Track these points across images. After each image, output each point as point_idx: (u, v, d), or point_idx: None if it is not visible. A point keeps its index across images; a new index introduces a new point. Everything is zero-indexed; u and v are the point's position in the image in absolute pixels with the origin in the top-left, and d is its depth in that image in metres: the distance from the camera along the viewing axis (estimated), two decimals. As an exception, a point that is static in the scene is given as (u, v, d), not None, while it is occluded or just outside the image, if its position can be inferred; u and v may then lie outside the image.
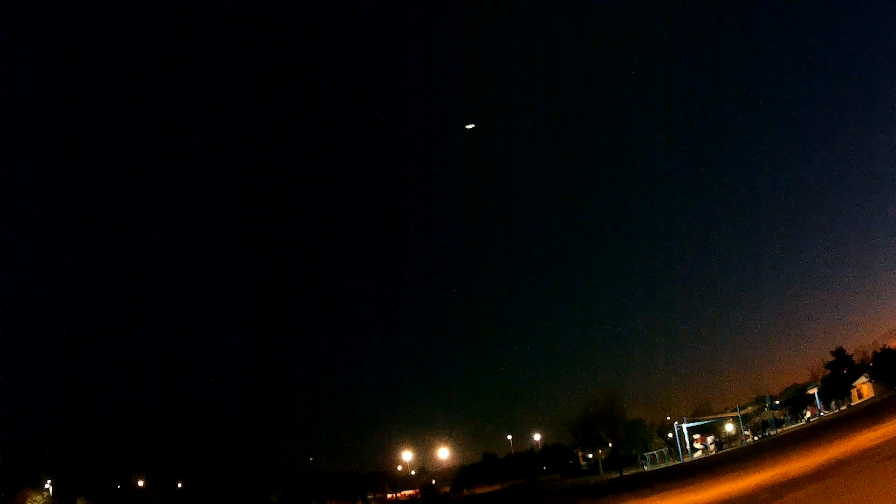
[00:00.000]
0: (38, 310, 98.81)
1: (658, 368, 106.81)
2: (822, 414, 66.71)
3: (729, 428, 72.91)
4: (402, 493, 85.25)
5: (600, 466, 74.05)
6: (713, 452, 66.85)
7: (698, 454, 68.48)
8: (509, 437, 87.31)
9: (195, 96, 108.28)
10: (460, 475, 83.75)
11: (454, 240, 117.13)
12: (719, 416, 74.47)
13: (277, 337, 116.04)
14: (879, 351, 67.53)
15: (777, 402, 75.82)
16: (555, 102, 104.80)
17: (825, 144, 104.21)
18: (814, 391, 71.13)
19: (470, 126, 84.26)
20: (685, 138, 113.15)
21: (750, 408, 74.88)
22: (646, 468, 68.40)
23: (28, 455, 71.32)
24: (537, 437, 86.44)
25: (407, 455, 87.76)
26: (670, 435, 73.10)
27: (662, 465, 67.52)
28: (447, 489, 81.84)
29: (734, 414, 72.38)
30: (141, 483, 78.62)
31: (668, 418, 76.09)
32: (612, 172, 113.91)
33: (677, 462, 66.82)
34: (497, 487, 77.13)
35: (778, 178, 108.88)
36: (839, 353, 70.93)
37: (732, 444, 68.76)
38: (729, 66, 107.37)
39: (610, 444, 72.53)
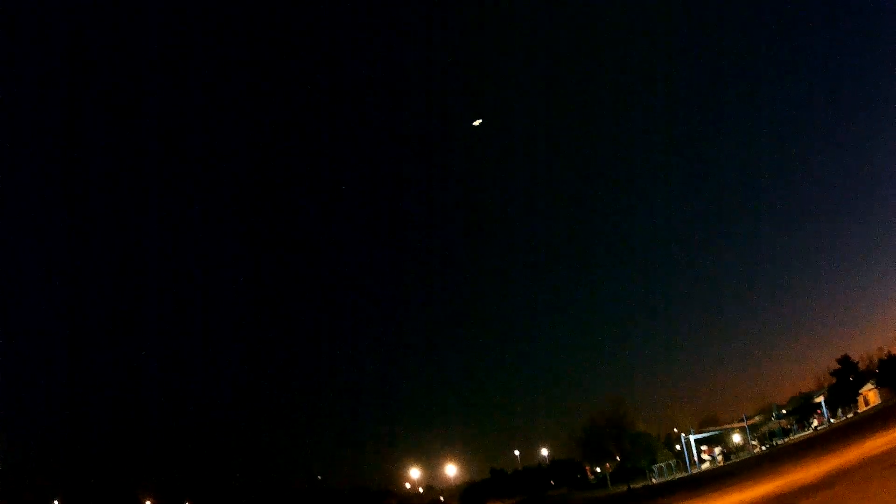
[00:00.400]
0: (38, 319, 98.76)
1: (663, 380, 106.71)
2: (831, 421, 66.58)
3: (736, 438, 72.75)
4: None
5: (608, 480, 73.82)
6: (721, 463, 66.69)
7: (706, 465, 68.28)
8: (517, 452, 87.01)
9: (195, 96, 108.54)
10: (468, 491, 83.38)
11: (458, 250, 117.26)
12: (726, 426, 74.33)
13: (282, 350, 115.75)
14: (885, 357, 67.61)
15: (784, 412, 75.68)
16: (555, 106, 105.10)
17: (827, 148, 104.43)
18: (820, 399, 71.06)
19: (477, 122, 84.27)
20: (685, 143, 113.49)
21: (757, 417, 74.76)
22: (654, 480, 68.19)
23: (35, 473, 71.30)
24: (545, 451, 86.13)
25: (415, 472, 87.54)
26: (678, 447, 72.92)
27: (670, 477, 67.30)
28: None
29: (741, 424, 72.24)
30: (148, 503, 78.42)
31: (675, 430, 75.97)
32: (613, 182, 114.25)
33: (685, 474, 66.61)
34: (505, 503, 76.85)
35: (779, 185, 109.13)
36: (845, 360, 70.92)
37: (740, 454, 68.59)
38: (729, 67, 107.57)
39: (617, 458, 72.39)
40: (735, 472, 49.23)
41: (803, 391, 78.44)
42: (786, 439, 67.06)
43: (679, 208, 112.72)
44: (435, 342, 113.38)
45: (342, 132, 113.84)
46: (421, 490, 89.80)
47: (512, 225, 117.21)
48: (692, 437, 69.81)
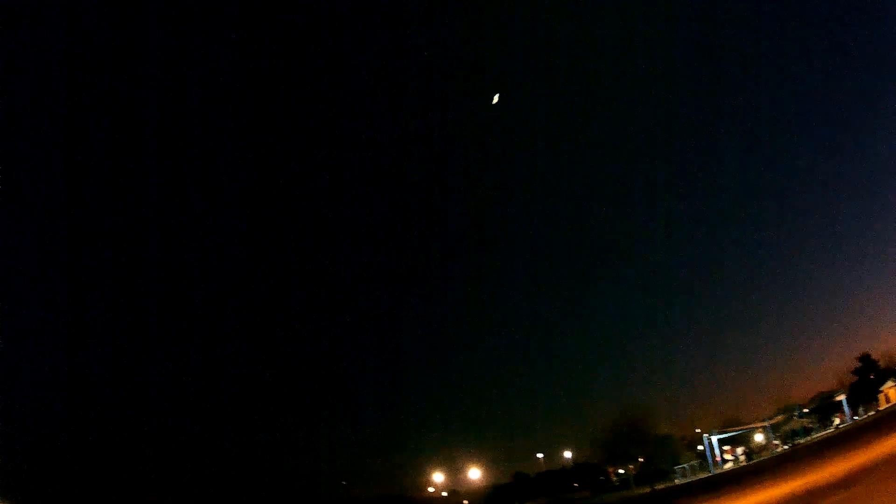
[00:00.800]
0: (39, 319, 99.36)
1: (684, 381, 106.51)
2: (855, 419, 66.81)
3: (758, 438, 73.02)
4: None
5: (631, 482, 74.37)
6: (744, 463, 67.10)
7: (729, 465, 68.72)
8: (539, 455, 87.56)
9: (198, 86, 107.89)
10: (491, 495, 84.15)
11: (479, 257, 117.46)
12: (749, 426, 74.61)
13: (303, 354, 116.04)
14: (905, 355, 67.85)
15: (805, 410, 75.84)
16: (559, 108, 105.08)
17: (844, 145, 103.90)
18: (841, 398, 71.22)
19: (496, 99, 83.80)
20: (705, 141, 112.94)
21: (778, 417, 74.99)
22: (677, 482, 68.72)
23: (45, 489, 72.05)
24: (568, 454, 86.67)
25: (438, 476, 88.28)
26: (700, 447, 73.34)
27: (694, 478, 67.80)
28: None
29: (764, 424, 72.53)
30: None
31: (698, 431, 76.30)
32: (627, 184, 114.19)
33: (708, 474, 67.06)
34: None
35: (798, 184, 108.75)
36: (865, 358, 71.20)
37: (762, 454, 68.93)
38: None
39: (640, 459, 72.86)
40: (758, 471, 49.72)
41: (824, 390, 78.53)
42: (808, 438, 67.35)
43: (695, 208, 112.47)
44: (456, 347, 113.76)
45: (344, 130, 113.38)
46: (445, 494, 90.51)
47: (530, 231, 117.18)
48: (714, 438, 70.24)
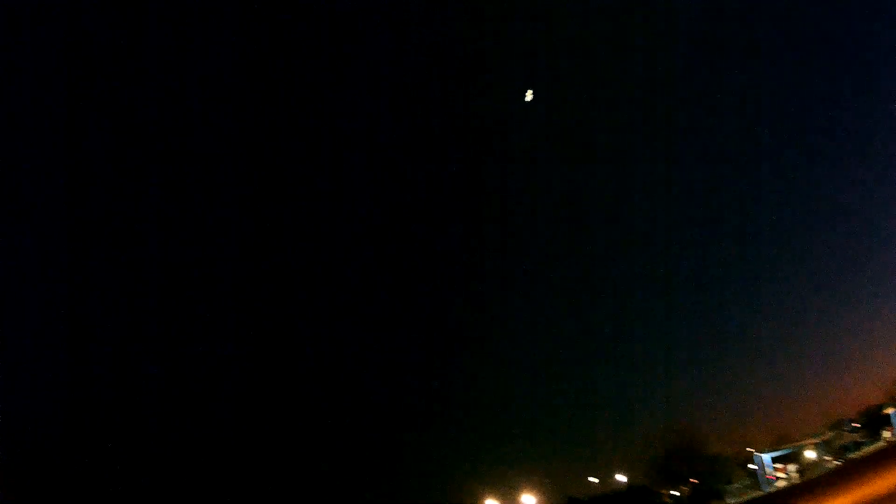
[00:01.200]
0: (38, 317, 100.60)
1: (732, 399, 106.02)
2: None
3: (809, 454, 73.44)
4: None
5: (685, 503, 75.12)
6: (797, 480, 67.70)
7: (781, 483, 69.37)
8: (595, 479, 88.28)
9: (200, 78, 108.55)
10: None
11: (519, 273, 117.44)
12: (800, 443, 75.08)
13: (350, 378, 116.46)
14: (952, 366, 68.01)
15: (855, 425, 76.05)
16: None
17: (874, 145, 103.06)
18: (890, 411, 71.48)
19: (529, 96, 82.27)
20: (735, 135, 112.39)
21: (829, 433, 75.34)
22: (730, 501, 69.48)
23: (45, 489, 73.28)
24: (623, 478, 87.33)
25: (490, 503, 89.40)
26: (751, 465, 73.99)
27: (746, 497, 68.55)
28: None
29: (815, 441, 72.94)
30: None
31: (749, 449, 76.93)
32: (665, 200, 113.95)
33: (761, 493, 67.77)
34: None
35: (847, 187, 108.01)
36: (911, 370, 71.51)
37: (814, 470, 69.44)
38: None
39: (693, 480, 73.68)
40: (811, 487, 50.65)
41: (872, 404, 78.62)
42: (858, 452, 67.80)
43: (737, 224, 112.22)
44: (503, 366, 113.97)
45: (345, 131, 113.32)
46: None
47: (568, 243, 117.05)
48: (766, 456, 70.91)
